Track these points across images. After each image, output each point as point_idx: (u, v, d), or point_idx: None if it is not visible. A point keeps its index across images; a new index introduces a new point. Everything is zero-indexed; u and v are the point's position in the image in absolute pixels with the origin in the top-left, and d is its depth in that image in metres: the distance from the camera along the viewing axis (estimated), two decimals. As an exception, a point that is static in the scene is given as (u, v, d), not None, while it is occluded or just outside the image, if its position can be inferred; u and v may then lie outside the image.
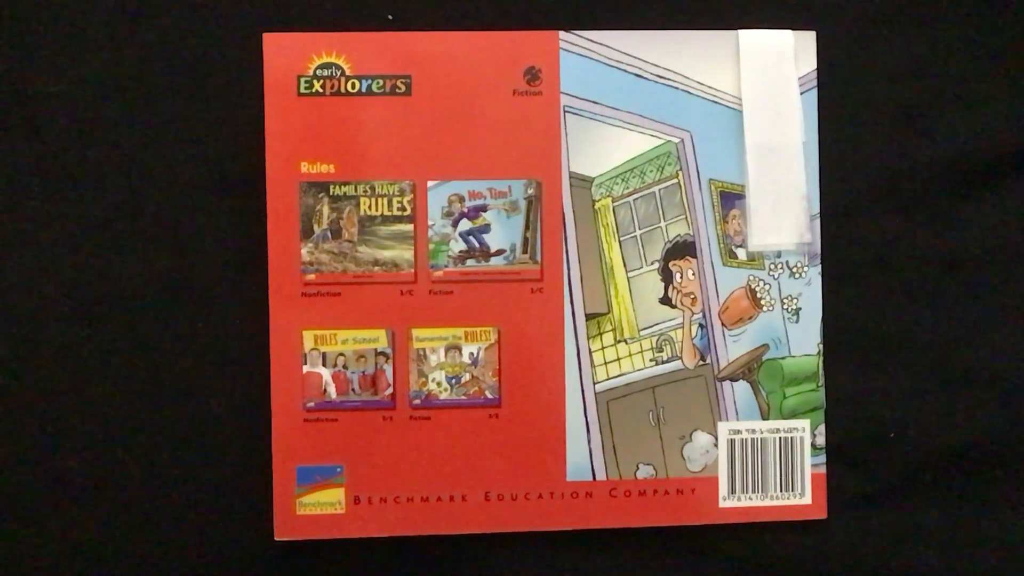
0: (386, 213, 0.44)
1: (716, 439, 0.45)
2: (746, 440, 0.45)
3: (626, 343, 0.45)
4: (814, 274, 0.45)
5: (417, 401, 0.44)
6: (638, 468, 0.45)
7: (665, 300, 0.45)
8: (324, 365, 0.43)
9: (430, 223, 0.44)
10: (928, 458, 0.46)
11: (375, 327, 0.44)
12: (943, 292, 0.46)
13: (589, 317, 0.44)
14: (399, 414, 0.44)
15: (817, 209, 0.45)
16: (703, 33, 0.45)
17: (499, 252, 0.44)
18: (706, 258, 0.45)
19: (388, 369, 0.44)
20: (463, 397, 0.44)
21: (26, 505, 0.44)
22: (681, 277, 0.45)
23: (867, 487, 0.46)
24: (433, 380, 0.44)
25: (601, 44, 0.44)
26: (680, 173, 0.45)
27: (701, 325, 0.45)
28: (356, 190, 0.44)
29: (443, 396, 0.44)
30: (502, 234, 0.44)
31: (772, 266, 0.45)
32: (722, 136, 0.45)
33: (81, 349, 0.44)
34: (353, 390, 0.44)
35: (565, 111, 0.44)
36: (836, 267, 0.46)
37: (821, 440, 0.45)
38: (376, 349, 0.44)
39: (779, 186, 0.45)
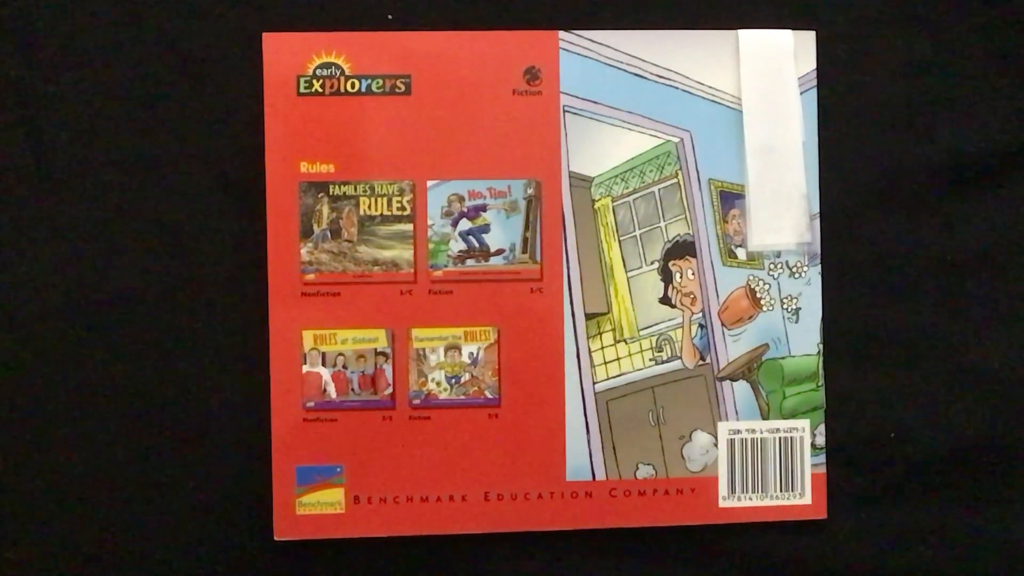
0: (386, 213, 0.44)
1: (716, 439, 0.45)
2: (746, 440, 0.45)
3: (626, 343, 0.45)
4: (814, 274, 0.45)
5: (417, 401, 0.44)
6: (638, 468, 0.45)
7: (665, 300, 0.45)
8: (324, 365, 0.43)
9: (430, 223, 0.44)
10: (928, 458, 0.46)
11: (375, 327, 0.44)
12: (943, 292, 0.46)
13: (589, 317, 0.44)
14: (399, 414, 0.44)
15: (817, 209, 0.45)
16: (703, 33, 0.45)
17: (499, 252, 0.44)
18: (706, 258, 0.45)
19: (388, 369, 0.44)
20: (463, 397, 0.44)
21: (26, 505, 0.44)
22: (681, 277, 0.45)
23: (867, 487, 0.46)
24: (433, 380, 0.44)
25: (601, 44, 0.44)
26: (680, 173, 0.45)
27: (701, 325, 0.45)
28: (356, 190, 0.44)
29: (443, 396, 0.44)
30: (502, 234, 0.44)
31: (772, 266, 0.45)
32: (722, 136, 0.45)
33: (81, 349, 0.44)
34: (353, 390, 0.44)
35: (565, 111, 0.44)
36: (836, 267, 0.46)
37: (821, 440, 0.45)
38: (376, 349, 0.44)
39: (779, 186, 0.45)
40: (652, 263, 0.45)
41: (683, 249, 0.45)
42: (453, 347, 0.44)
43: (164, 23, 0.44)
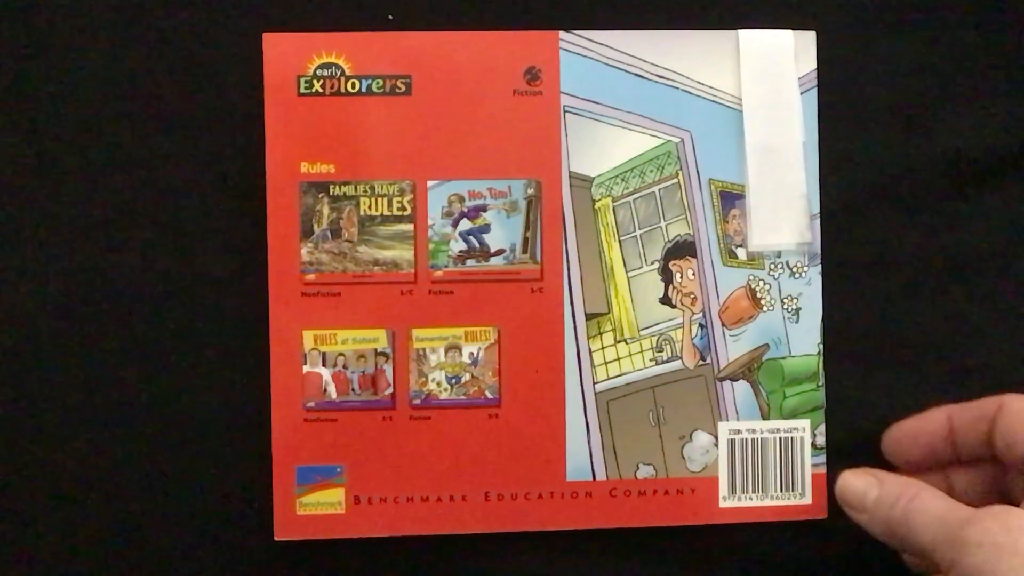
0: (386, 213, 0.44)
1: (716, 439, 0.45)
2: (746, 440, 0.45)
3: (626, 343, 0.45)
4: (814, 274, 0.45)
5: (417, 401, 0.44)
6: (638, 468, 0.45)
7: (665, 300, 0.45)
8: (324, 365, 0.43)
9: (430, 223, 0.44)
10: (928, 458, 0.46)
11: (375, 327, 0.44)
12: (943, 292, 0.46)
13: (589, 317, 0.44)
14: (399, 414, 0.44)
15: (817, 209, 0.45)
16: (703, 33, 0.45)
17: (499, 252, 0.44)
18: (706, 258, 0.45)
19: (388, 369, 0.44)
20: (463, 397, 0.44)
21: (26, 505, 0.44)
22: (681, 277, 0.45)
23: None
24: (433, 380, 0.44)
25: (601, 44, 0.44)
26: (680, 173, 0.45)
27: (701, 325, 0.45)
28: (356, 190, 0.44)
29: (443, 396, 0.44)
30: (502, 234, 0.44)
31: (772, 266, 0.45)
32: (722, 136, 0.45)
33: (81, 349, 0.44)
34: (353, 390, 0.44)
35: (565, 111, 0.44)
36: (836, 267, 0.46)
37: (821, 440, 0.45)
38: (376, 349, 0.44)
39: (779, 186, 0.45)
40: (652, 263, 0.45)
41: (683, 249, 0.45)
42: (453, 347, 0.44)
43: (164, 23, 0.44)
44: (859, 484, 0.41)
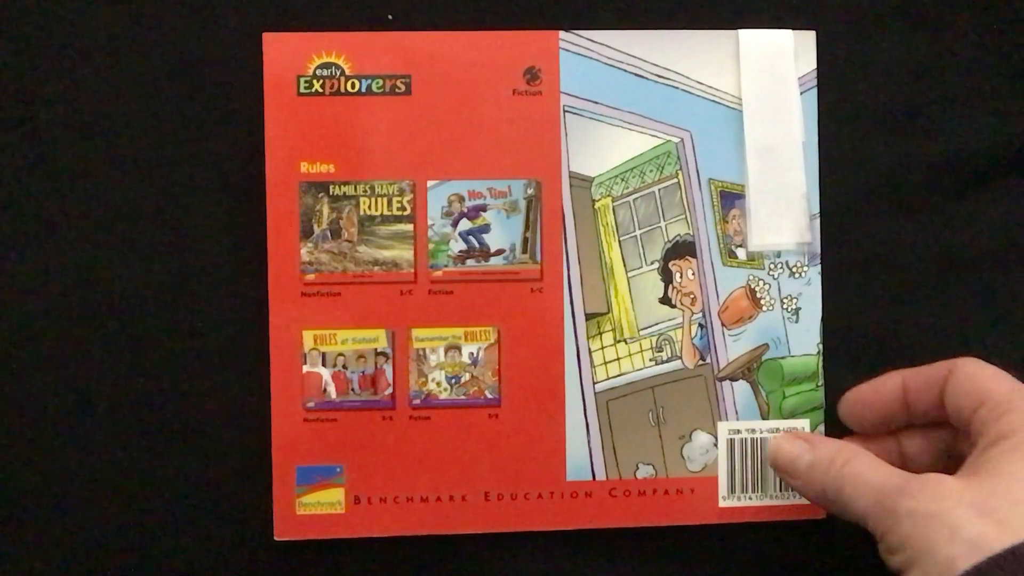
0: (386, 213, 0.44)
1: (716, 439, 0.45)
2: (746, 440, 0.45)
3: (626, 343, 0.45)
4: (814, 274, 0.45)
5: (417, 401, 0.44)
6: (638, 468, 0.45)
7: (665, 300, 0.45)
8: (324, 365, 0.43)
9: (430, 223, 0.44)
10: (928, 458, 0.46)
11: (375, 327, 0.44)
12: (943, 292, 0.46)
13: (589, 317, 0.44)
14: (399, 414, 0.44)
15: (817, 209, 0.45)
16: (703, 33, 0.45)
17: (499, 252, 0.44)
18: (706, 258, 0.45)
19: (388, 369, 0.44)
20: (463, 397, 0.44)
21: (26, 505, 0.44)
22: (681, 277, 0.45)
23: (867, 487, 0.46)
24: (433, 380, 0.44)
25: (601, 44, 0.44)
26: (680, 173, 0.45)
27: (701, 325, 0.45)
28: (356, 190, 0.44)
29: (443, 396, 0.44)
30: (502, 234, 0.44)
31: (772, 266, 0.45)
32: (722, 136, 0.45)
33: (81, 349, 0.44)
34: (353, 390, 0.44)
35: (565, 111, 0.44)
36: (836, 267, 0.46)
37: (821, 440, 0.45)
38: (376, 349, 0.44)
39: (779, 186, 0.45)
40: (652, 263, 0.45)
41: (683, 249, 0.45)
42: (453, 347, 0.44)
43: (164, 23, 0.44)
44: (791, 449, 0.41)
